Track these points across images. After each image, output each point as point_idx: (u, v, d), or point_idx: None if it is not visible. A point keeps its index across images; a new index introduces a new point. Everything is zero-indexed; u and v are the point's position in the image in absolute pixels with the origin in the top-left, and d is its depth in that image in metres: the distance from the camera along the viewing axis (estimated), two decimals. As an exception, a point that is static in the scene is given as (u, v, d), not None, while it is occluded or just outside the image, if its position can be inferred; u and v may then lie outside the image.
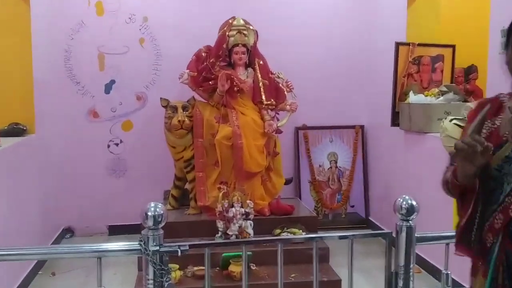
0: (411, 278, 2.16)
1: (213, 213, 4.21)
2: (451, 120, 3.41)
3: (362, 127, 5.58)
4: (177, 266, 3.71)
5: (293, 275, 3.79)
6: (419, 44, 4.64)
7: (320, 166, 5.51)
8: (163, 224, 2.01)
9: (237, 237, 4.01)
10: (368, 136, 5.59)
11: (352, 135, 5.56)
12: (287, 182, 4.82)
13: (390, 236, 2.21)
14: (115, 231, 5.18)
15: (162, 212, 2.02)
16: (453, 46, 4.69)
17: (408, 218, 2.13)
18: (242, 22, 4.59)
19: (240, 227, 4.04)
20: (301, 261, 3.77)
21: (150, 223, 2.00)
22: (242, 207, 4.09)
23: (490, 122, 1.78)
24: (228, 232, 4.03)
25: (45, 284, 4.04)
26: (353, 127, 5.56)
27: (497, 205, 1.69)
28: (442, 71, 4.71)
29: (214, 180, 4.41)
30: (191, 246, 2.08)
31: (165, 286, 2.00)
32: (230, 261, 3.74)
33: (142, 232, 2.01)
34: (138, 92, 5.25)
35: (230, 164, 4.39)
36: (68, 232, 5.20)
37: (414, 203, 2.13)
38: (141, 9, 5.17)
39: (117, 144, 5.27)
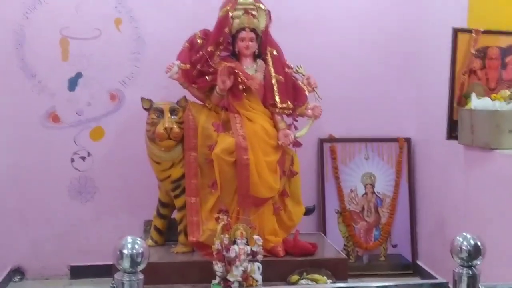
0: None
1: (208, 252, 4.21)
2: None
3: (408, 140, 5.61)
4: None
5: (314, 336, 3.81)
6: (485, 32, 4.65)
7: (351, 191, 5.52)
8: (143, 266, 2.02)
9: (240, 285, 4.02)
10: (416, 152, 5.62)
11: (395, 150, 5.58)
12: (308, 212, 4.84)
13: (446, 286, 2.21)
14: (79, 273, 5.18)
15: (142, 250, 2.02)
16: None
17: (471, 263, 2.13)
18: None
19: (244, 271, 4.04)
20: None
21: (126, 264, 2.00)
22: (247, 244, 4.11)
23: None
24: (228, 277, 4.02)
25: None
26: (396, 140, 5.59)
27: None
28: (515, 67, 4.73)
29: (211, 208, 4.42)
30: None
31: None
32: (230, 316, 3.77)
33: (116, 276, 2.01)
34: (112, 90, 5.27)
35: (233, 186, 4.39)
36: (17, 274, 5.18)
37: (478, 243, 2.13)
38: (116, -20, 5.27)
39: (83, 158, 5.29)
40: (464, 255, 2.12)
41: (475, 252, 2.12)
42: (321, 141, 5.49)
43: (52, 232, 5.19)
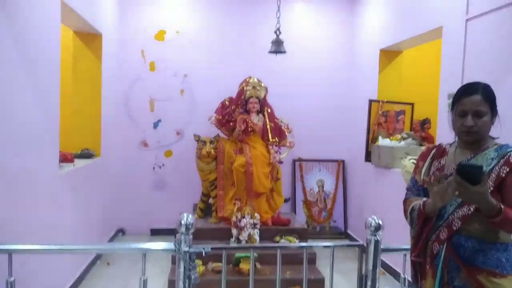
0: (377, 280, 2.14)
1: (229, 222, 4.15)
2: (409, 160, 3.40)
3: (343, 161, 5.52)
4: (201, 262, 3.68)
5: (288, 272, 3.73)
6: (387, 101, 4.63)
7: (311, 189, 5.44)
8: (192, 230, 2.03)
9: (246, 242, 3.96)
10: (347, 168, 5.53)
11: (336, 167, 5.51)
12: (286, 200, 4.75)
13: (362, 246, 2.20)
14: (156, 232, 5.15)
15: (192, 221, 2.03)
16: (412, 104, 4.68)
17: (376, 233, 2.13)
18: (256, 80, 4.57)
19: (249, 234, 4.00)
20: (294, 262, 3.73)
21: (183, 229, 2.00)
22: (251, 218, 4.07)
23: (437, 162, 1.82)
24: (239, 237, 3.99)
25: (101, 271, 3.99)
26: (336, 161, 5.52)
27: (443, 221, 1.71)
28: (403, 122, 4.67)
29: (231, 197, 4.35)
30: (212, 249, 2.09)
31: (192, 277, 2.00)
32: (241, 260, 3.70)
33: (177, 236, 2.02)
34: (178, 129, 5.24)
35: (243, 185, 4.33)
36: (121, 232, 5.16)
37: (380, 222, 2.12)
38: (183, 68, 5.20)
39: (160, 167, 5.25)
40: (372, 228, 2.12)
41: (378, 227, 2.12)
42: (294, 161, 5.42)
43: (143, 208, 5.16)
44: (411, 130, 4.63)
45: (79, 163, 3.74)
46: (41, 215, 2.74)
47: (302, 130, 5.10)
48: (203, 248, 2.02)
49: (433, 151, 1.88)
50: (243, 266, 3.65)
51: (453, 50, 3.28)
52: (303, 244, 2.84)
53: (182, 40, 5.20)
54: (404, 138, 4.29)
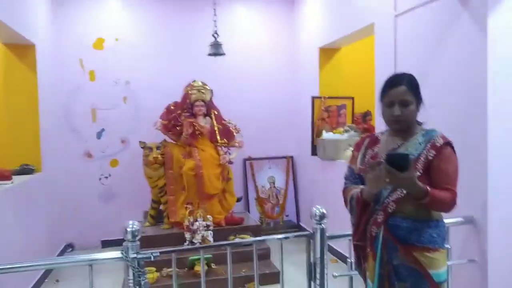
0: (326, 266, 2.22)
1: (182, 227, 4.11)
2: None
3: (291, 157, 5.64)
4: (154, 269, 3.63)
5: (244, 270, 3.77)
6: (329, 97, 4.78)
7: (262, 187, 5.49)
8: (139, 236, 2.00)
9: (200, 244, 3.91)
10: (296, 164, 5.65)
11: (285, 163, 5.61)
12: (238, 200, 4.76)
13: (309, 235, 2.27)
14: (107, 244, 4.97)
15: (138, 227, 2.00)
16: (352, 98, 4.86)
17: (321, 222, 2.20)
18: (200, 83, 4.56)
19: (202, 236, 3.99)
20: (250, 260, 3.73)
21: (129, 236, 1.98)
22: (204, 221, 4.07)
23: (370, 150, 1.92)
24: (193, 240, 3.96)
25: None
26: (285, 157, 5.62)
27: (379, 205, 1.80)
28: (345, 115, 4.85)
29: (182, 201, 4.31)
30: (161, 253, 2.07)
31: (142, 284, 1.98)
32: (195, 262, 3.70)
33: (124, 243, 1.99)
34: (123, 137, 5.12)
35: (194, 188, 4.30)
36: (69, 247, 4.95)
37: (324, 211, 2.19)
38: (124, 75, 5.10)
39: (106, 177, 5.11)
40: (317, 218, 2.19)
41: (323, 216, 2.19)
42: (244, 160, 5.46)
43: (91, 220, 4.99)
44: (352, 123, 4.80)
45: (18, 179, 3.56)
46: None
47: (251, 129, 5.13)
48: (151, 253, 2.00)
49: (366, 140, 1.98)
50: (198, 268, 3.65)
51: (384, 45, 3.45)
52: (253, 239, 2.88)
53: (122, 47, 5.09)
54: (346, 131, 4.45)
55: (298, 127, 5.45)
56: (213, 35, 4.22)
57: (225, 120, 4.69)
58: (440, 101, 2.76)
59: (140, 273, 1.96)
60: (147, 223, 4.44)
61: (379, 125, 3.64)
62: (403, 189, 1.72)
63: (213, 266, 3.76)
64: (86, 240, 4.99)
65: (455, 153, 1.78)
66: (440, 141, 1.75)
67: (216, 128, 4.55)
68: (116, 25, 5.09)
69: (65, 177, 4.91)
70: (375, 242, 1.80)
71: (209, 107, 4.62)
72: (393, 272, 1.76)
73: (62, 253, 4.76)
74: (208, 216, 4.10)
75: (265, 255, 4.04)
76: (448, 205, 1.70)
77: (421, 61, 2.99)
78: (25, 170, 3.87)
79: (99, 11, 5.04)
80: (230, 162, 4.59)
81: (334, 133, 4.50)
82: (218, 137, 4.54)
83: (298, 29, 5.46)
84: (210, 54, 4.33)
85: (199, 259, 3.68)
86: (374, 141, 1.94)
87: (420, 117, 1.88)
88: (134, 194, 5.01)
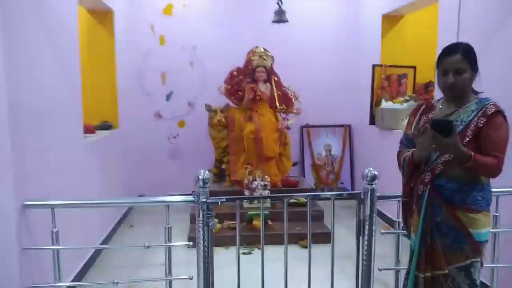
0: (374, 224, 2.40)
1: (241, 185, 4.42)
2: (409, 119, 3.59)
3: (349, 126, 5.73)
4: (217, 220, 3.99)
5: (297, 228, 4.03)
6: (390, 66, 4.78)
7: (319, 154, 5.66)
8: (208, 184, 2.31)
9: (258, 202, 4.23)
10: (353, 132, 5.73)
11: (342, 131, 5.72)
12: (294, 164, 4.99)
13: (360, 195, 2.45)
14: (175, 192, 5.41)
15: (208, 176, 2.32)
16: (414, 67, 4.82)
17: (372, 183, 2.37)
18: (262, 50, 4.75)
19: (260, 194, 4.28)
20: (303, 219, 3.98)
21: (200, 183, 2.29)
22: (262, 180, 4.35)
23: (425, 116, 2.06)
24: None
25: (126, 232, 4.34)
26: (342, 126, 5.72)
27: (428, 167, 1.96)
28: (406, 85, 4.83)
29: (242, 162, 4.60)
30: (227, 200, 2.38)
31: (210, 224, 2.30)
32: (253, 217, 4.02)
33: (195, 189, 2.31)
34: (189, 100, 5.46)
35: (253, 150, 4.56)
36: (142, 197, 5.42)
37: (376, 172, 2.36)
38: (191, 40, 5.38)
39: (174, 137, 5.51)
40: (368, 179, 2.37)
41: (374, 177, 2.36)
42: (302, 127, 5.63)
43: (160, 176, 5.41)
44: (413, 93, 4.79)
45: (100, 133, 4.04)
46: (70, 181, 3.05)
47: (309, 97, 5.25)
48: (219, 199, 2.31)
49: (422, 107, 2.12)
50: (256, 222, 3.97)
51: (448, 13, 3.43)
52: (306, 194, 3.07)
53: (189, 13, 5.37)
54: (406, 101, 4.47)
55: (357, 96, 5.50)
56: (277, 3, 4.38)
57: (284, 87, 4.86)
58: (502, 72, 2.77)
59: (209, 215, 2.28)
60: (211, 180, 4.81)
61: (440, 95, 3.66)
62: (448, 154, 1.86)
63: (269, 223, 4.06)
64: (155, 193, 5.37)
65: (506, 122, 1.87)
66: (491, 109, 1.85)
67: (275, 94, 4.75)
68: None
69: (138, 135, 5.35)
70: (421, 199, 1.96)
71: (270, 73, 4.81)
72: (436, 228, 1.92)
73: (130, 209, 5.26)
74: (266, 176, 4.38)
75: (318, 217, 4.28)
76: (492, 171, 1.82)
77: (485, 31, 2.97)
78: (105, 125, 4.35)
79: (169, -21, 5.33)
80: (288, 128, 4.80)
81: (393, 102, 4.53)
82: (277, 103, 4.75)
83: (362, -4, 5.44)
84: (274, 21, 4.50)
85: (257, 214, 4.04)
86: (430, 107, 2.07)
87: (480, 86, 1.97)
88: (199, 153, 5.34)
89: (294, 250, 3.79)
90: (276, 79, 4.85)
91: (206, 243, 2.28)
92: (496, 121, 1.84)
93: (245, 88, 4.66)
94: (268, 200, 4.32)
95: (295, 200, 4.36)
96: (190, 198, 2.31)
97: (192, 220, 4.16)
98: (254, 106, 4.71)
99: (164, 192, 5.44)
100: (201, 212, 2.28)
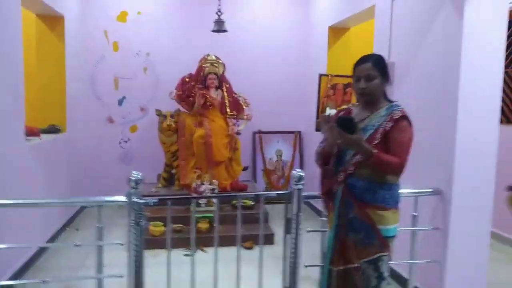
0: (300, 222, 2.53)
1: (190, 189, 4.45)
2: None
3: (299, 132, 5.89)
4: (162, 223, 4.05)
5: (242, 230, 4.12)
6: (336, 75, 4.91)
7: (270, 159, 5.78)
8: (141, 185, 2.37)
9: (205, 205, 4.32)
10: (303, 138, 5.90)
11: (292, 137, 5.87)
12: (244, 169, 5.08)
13: (289, 194, 2.56)
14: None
15: (140, 177, 2.38)
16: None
17: (298, 183, 2.50)
18: (214, 57, 4.87)
19: (208, 198, 4.37)
20: (249, 221, 4.08)
21: (133, 184, 2.36)
22: (210, 184, 4.43)
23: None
24: (199, 201, 4.35)
25: (71, 235, 4.28)
26: (293, 132, 5.88)
27: (341, 167, 2.11)
28: (351, 94, 5.06)
29: (192, 166, 4.65)
30: (160, 201, 2.45)
31: (141, 224, 2.36)
32: (198, 220, 4.08)
33: (128, 190, 2.37)
34: (142, 105, 5.48)
35: (203, 155, 4.63)
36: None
37: (302, 174, 2.50)
38: (145, 46, 5.43)
39: (126, 141, 5.51)
40: (295, 179, 2.49)
41: (300, 177, 2.49)
42: (254, 133, 5.74)
43: (109, 180, 5.29)
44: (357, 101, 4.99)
45: (46, 137, 4.00)
46: (9, 181, 3.03)
47: (262, 104, 5.42)
48: (151, 200, 2.38)
49: (342, 113, 2.28)
50: (201, 225, 4.03)
51: (382, 28, 3.66)
52: (249, 193, 3.15)
53: (143, 20, 5.42)
54: (350, 109, 4.66)
55: (306, 104, 5.65)
56: (216, 13, 4.51)
57: (235, 94, 4.98)
58: (418, 83, 2.99)
59: (140, 215, 2.34)
60: (160, 185, 4.86)
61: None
62: (352, 149, 2.01)
63: (214, 225, 4.12)
64: (105, 196, 5.42)
65: (411, 126, 2.05)
66: (398, 114, 2.02)
67: (226, 101, 4.85)
68: (139, -1, 5.42)
69: (88, 139, 5.33)
70: (336, 197, 2.11)
71: (221, 80, 4.91)
72: (349, 224, 2.07)
73: (82, 207, 5.22)
74: (214, 180, 4.46)
75: (264, 219, 4.38)
76: (394, 169, 1.98)
77: (410, 46, 3.20)
78: (52, 129, 4.32)
79: (123, -15, 5.37)
80: (238, 133, 4.91)
81: (337, 109, 4.70)
82: (228, 109, 4.85)
83: (309, 7, 5.66)
84: (213, 31, 4.64)
85: (202, 217, 4.11)
86: (348, 113, 2.24)
87: (399, 93, 2.14)
88: (150, 158, 5.34)
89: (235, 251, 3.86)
90: (227, 86, 4.96)
91: (137, 242, 2.33)
92: (401, 125, 2.01)
93: (196, 94, 4.73)
94: (216, 203, 4.38)
95: (242, 203, 4.44)
96: (123, 198, 2.36)
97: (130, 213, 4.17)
98: (205, 112, 4.79)
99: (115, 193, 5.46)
100: (132, 212, 2.34)
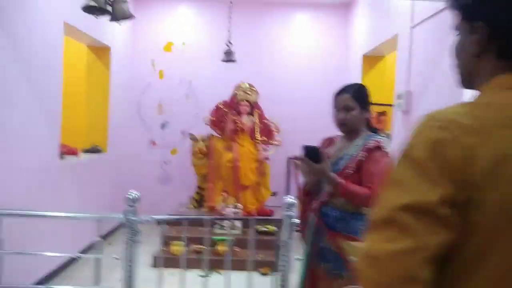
0: (289, 249, 2.52)
1: (215, 211, 4.61)
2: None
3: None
4: (183, 243, 4.18)
5: (260, 255, 4.14)
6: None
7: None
8: (138, 203, 2.53)
9: (230, 229, 4.40)
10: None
11: (328, 165, 5.79)
12: (273, 194, 5.09)
13: (280, 221, 2.57)
14: (160, 222, 5.63)
15: (137, 196, 2.54)
16: (392, 105, 4.92)
17: (290, 209, 2.51)
18: (247, 85, 5.03)
19: (231, 221, 4.46)
20: (268, 248, 4.14)
21: (130, 203, 2.52)
22: (234, 208, 4.52)
23: (327, 150, 2.22)
24: (223, 224, 4.46)
25: (103, 249, 4.57)
26: (329, 159, 5.80)
27: (317, 196, 2.11)
28: (385, 122, 4.92)
29: (219, 189, 4.78)
30: (170, 224, 2.59)
31: (135, 239, 2.50)
32: (217, 242, 4.18)
33: (126, 208, 2.53)
34: (183, 129, 5.74)
35: (230, 179, 4.75)
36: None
37: (294, 201, 2.51)
38: (188, 75, 5.74)
39: (166, 163, 5.80)
40: (286, 206, 2.50)
41: (292, 204, 2.50)
42: (289, 158, 5.77)
43: (151, 198, 5.60)
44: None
45: (87, 156, 4.37)
46: (40, 195, 3.36)
47: (297, 131, 5.41)
48: (148, 218, 2.52)
49: (326, 142, 2.28)
50: (220, 247, 4.11)
51: (402, 55, 3.59)
52: (237, 218, 3.15)
53: (187, 50, 5.77)
54: (382, 137, 4.54)
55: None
56: (226, 44, 4.70)
57: (267, 120, 5.08)
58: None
59: (133, 231, 2.48)
60: (191, 205, 5.04)
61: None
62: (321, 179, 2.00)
63: (236, 249, 4.18)
64: (144, 214, 5.72)
65: (387, 157, 2.00)
66: (371, 145, 1.99)
67: (257, 126, 4.98)
68: (184, 30, 5.79)
69: (132, 160, 5.70)
70: (309, 225, 2.10)
71: (254, 107, 5.06)
72: (320, 254, 2.04)
73: (120, 226, 5.54)
74: (238, 204, 4.54)
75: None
76: (363, 200, 1.93)
77: (425, 75, 3.10)
78: (94, 149, 4.70)
79: (169, 18, 5.80)
80: (267, 158, 4.97)
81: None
82: (258, 135, 4.96)
83: (347, 36, 5.66)
84: (223, 60, 4.84)
85: (221, 239, 4.19)
86: (330, 142, 2.24)
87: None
88: (188, 180, 5.53)
89: (252, 277, 3.87)
90: (259, 112, 5.08)
91: (129, 258, 2.47)
92: (375, 156, 1.97)
93: (228, 120, 4.91)
94: (239, 226, 4.46)
95: (264, 229, 4.48)
96: (120, 215, 2.53)
97: (162, 242, 4.36)
98: (235, 137, 4.93)
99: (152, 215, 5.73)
100: (129, 229, 2.49)
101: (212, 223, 4.49)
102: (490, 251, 0.66)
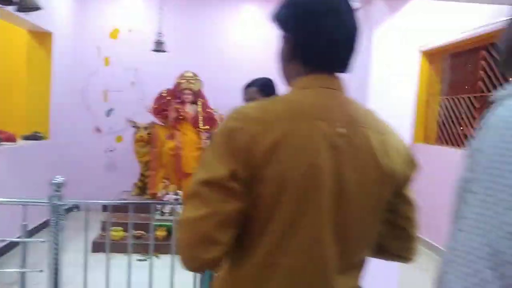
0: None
1: (157, 197, 4.68)
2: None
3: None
4: (121, 229, 4.28)
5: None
6: None
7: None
8: (64, 189, 2.60)
9: (169, 215, 4.52)
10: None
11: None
12: None
13: None
14: (106, 208, 5.62)
15: (62, 181, 2.61)
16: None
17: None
18: (191, 74, 5.09)
19: (171, 207, 4.56)
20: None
21: (54, 187, 2.59)
22: (175, 194, 4.62)
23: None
24: (163, 210, 4.55)
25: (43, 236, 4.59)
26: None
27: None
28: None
29: (161, 177, 4.86)
30: (80, 204, 2.67)
31: (60, 224, 2.58)
32: (157, 228, 4.29)
33: (51, 194, 2.60)
34: (128, 117, 5.67)
35: (172, 166, 4.84)
36: (75, 208, 5.62)
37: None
38: (134, 62, 5.77)
39: (111, 151, 5.83)
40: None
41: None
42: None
43: (94, 187, 5.60)
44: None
45: (26, 143, 4.34)
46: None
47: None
48: (71, 203, 2.61)
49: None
50: (158, 232, 4.22)
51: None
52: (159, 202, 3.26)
53: (134, 37, 5.77)
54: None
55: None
56: (157, 34, 4.93)
57: (211, 109, 5.19)
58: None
59: (59, 215, 2.56)
60: (133, 192, 5.10)
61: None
62: None
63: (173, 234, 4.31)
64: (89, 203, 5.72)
65: None
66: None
67: (200, 115, 5.06)
68: (130, 17, 5.78)
69: (75, 147, 5.67)
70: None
71: (197, 96, 5.14)
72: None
73: (68, 211, 5.52)
74: (179, 191, 4.65)
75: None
76: None
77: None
78: (34, 136, 4.65)
79: (116, 3, 5.76)
80: (210, 147, 5.09)
81: None
82: (201, 124, 5.06)
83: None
84: (153, 50, 4.96)
85: (160, 225, 4.31)
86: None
87: None
88: (133, 167, 5.53)
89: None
90: (203, 101, 5.17)
91: (56, 241, 2.56)
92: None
93: (171, 108, 4.98)
94: (179, 213, 4.58)
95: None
96: (45, 200, 2.60)
97: (102, 227, 4.43)
98: (178, 125, 5.01)
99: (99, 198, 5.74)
100: (54, 213, 2.57)
101: (154, 209, 4.59)
102: (272, 216, 0.84)
